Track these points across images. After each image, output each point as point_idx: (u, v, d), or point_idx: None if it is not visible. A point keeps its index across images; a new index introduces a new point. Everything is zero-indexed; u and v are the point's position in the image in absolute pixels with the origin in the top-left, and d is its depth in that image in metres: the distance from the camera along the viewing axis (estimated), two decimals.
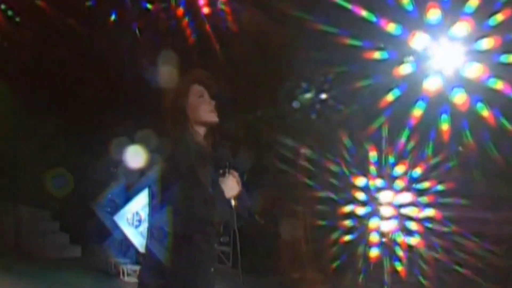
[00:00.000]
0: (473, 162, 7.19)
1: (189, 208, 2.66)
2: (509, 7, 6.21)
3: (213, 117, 2.89)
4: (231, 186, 2.81)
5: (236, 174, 2.86)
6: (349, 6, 6.34)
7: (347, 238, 7.79)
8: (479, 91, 6.66)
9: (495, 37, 6.38)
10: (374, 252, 7.57)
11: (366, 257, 7.57)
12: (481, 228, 7.26)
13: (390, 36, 6.52)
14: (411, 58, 6.80)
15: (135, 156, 7.05)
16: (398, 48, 6.70)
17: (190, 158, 2.72)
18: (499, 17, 6.24)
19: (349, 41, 6.62)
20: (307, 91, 8.10)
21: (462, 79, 6.68)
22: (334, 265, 7.58)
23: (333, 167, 7.95)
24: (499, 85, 6.51)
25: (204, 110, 2.88)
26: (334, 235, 7.81)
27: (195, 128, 2.86)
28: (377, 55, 6.72)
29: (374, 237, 7.61)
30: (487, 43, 6.44)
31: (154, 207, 2.81)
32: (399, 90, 7.01)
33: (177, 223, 2.66)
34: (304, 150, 8.13)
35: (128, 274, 8.36)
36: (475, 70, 6.60)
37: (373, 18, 6.41)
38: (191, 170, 2.68)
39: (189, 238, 2.71)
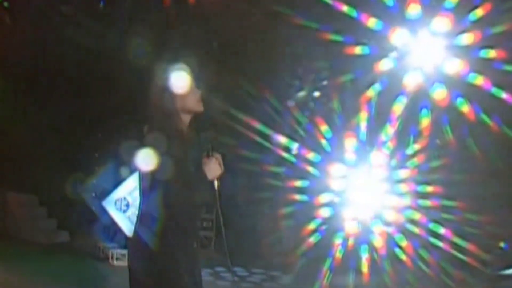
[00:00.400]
0: (452, 155, 7.37)
1: (174, 192, 2.84)
2: (488, 2, 6.35)
3: (199, 107, 3.07)
4: (214, 168, 3.00)
5: (219, 156, 3.04)
6: (330, 1, 6.42)
7: (324, 227, 7.90)
8: (459, 86, 6.81)
9: (475, 32, 6.52)
10: (351, 241, 7.70)
11: (343, 245, 7.71)
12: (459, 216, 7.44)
13: (370, 31, 6.63)
14: (394, 53, 6.93)
15: (123, 143, 7.11)
16: (379, 44, 6.81)
17: (176, 145, 2.88)
18: (479, 12, 6.39)
19: (330, 36, 6.72)
20: (290, 83, 8.22)
21: (442, 74, 6.82)
22: (311, 253, 7.71)
23: (312, 156, 8.05)
24: (479, 80, 6.68)
25: (192, 99, 3.04)
26: (312, 224, 7.93)
27: (181, 116, 3.03)
28: (358, 50, 6.83)
29: (351, 226, 7.73)
30: (467, 38, 6.59)
31: (142, 193, 2.98)
32: (380, 85, 7.14)
33: (164, 206, 2.84)
34: (284, 139, 8.23)
35: (117, 258, 8.43)
36: (455, 65, 6.75)
37: (354, 14, 6.51)
38: (177, 156, 2.85)
39: (175, 220, 2.88)
